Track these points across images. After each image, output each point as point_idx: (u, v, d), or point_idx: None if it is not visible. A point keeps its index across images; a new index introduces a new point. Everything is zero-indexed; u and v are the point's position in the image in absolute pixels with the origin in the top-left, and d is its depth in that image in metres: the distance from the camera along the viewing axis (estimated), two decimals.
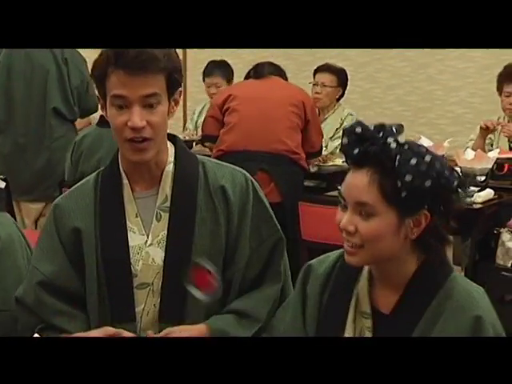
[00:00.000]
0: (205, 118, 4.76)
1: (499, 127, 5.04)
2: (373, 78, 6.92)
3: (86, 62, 4.82)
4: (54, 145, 4.85)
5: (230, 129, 4.46)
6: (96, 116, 4.77)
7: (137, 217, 2.22)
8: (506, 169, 4.58)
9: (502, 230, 4.17)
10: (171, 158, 2.24)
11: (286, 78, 4.71)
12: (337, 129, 5.36)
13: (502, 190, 4.34)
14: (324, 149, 4.99)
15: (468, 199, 4.17)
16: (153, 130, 2.11)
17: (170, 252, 2.19)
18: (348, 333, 1.95)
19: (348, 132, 1.90)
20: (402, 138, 1.89)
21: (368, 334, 1.94)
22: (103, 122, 3.82)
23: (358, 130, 1.88)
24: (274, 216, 2.31)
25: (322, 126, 5.00)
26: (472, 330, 1.83)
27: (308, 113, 4.49)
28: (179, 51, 2.28)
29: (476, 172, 4.36)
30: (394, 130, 1.89)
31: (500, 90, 5.07)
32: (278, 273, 2.28)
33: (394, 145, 1.85)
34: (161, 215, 2.21)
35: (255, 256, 2.25)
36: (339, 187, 1.92)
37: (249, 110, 4.42)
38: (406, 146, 1.86)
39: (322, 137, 4.75)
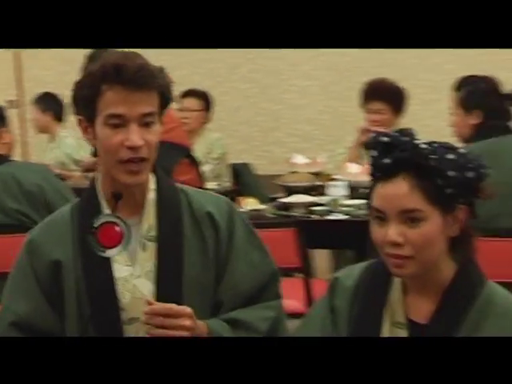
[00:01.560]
0: None
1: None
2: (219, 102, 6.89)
3: None
4: None
5: None
6: None
7: None
8: None
9: None
10: (153, 186, 2.12)
11: None
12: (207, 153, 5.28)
13: None
14: None
15: (360, 212, 4.18)
16: (149, 149, 2.00)
17: (160, 284, 2.07)
18: None
19: (374, 144, 1.87)
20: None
21: None
22: None
23: (385, 139, 1.85)
24: (263, 242, 2.20)
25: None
26: None
27: None
28: None
29: (364, 185, 4.38)
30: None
31: (363, 106, 5.13)
32: (274, 294, 2.18)
33: (424, 145, 1.84)
34: (147, 245, 2.08)
35: (248, 281, 2.13)
36: None
37: None
38: (434, 144, 1.84)
39: None
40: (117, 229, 1.92)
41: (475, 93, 3.74)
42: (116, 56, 1.99)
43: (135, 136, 1.96)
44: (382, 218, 1.84)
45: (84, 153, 5.53)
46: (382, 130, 5.01)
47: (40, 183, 3.49)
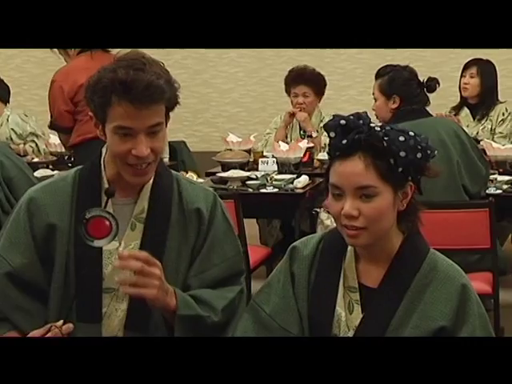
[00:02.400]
0: (58, 112, 4.23)
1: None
2: None
3: None
4: None
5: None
6: None
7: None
8: (307, 157, 4.68)
9: (319, 210, 4.25)
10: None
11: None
12: None
13: (315, 176, 4.43)
14: None
15: (289, 185, 4.22)
16: (155, 155, 1.96)
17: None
18: (340, 306, 1.91)
19: (332, 126, 1.87)
20: None
21: (357, 307, 1.90)
22: None
23: (343, 122, 1.86)
24: (237, 237, 2.18)
25: None
26: (460, 296, 1.84)
27: None
28: None
29: (291, 161, 4.44)
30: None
31: (288, 91, 5.18)
32: (238, 282, 2.15)
33: (378, 128, 1.85)
34: (136, 225, 2.04)
35: (216, 272, 2.10)
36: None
37: None
38: (387, 127, 1.86)
39: None
40: (106, 223, 1.88)
41: (395, 80, 3.80)
42: (126, 70, 1.88)
43: (143, 147, 1.91)
44: (339, 193, 1.86)
45: (30, 128, 5.41)
46: (304, 113, 5.10)
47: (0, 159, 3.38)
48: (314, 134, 4.96)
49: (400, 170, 1.83)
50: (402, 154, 1.82)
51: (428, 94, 3.81)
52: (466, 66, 5.24)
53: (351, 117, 1.87)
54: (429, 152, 1.86)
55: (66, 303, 1.99)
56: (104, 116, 1.93)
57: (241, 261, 2.17)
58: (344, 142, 1.84)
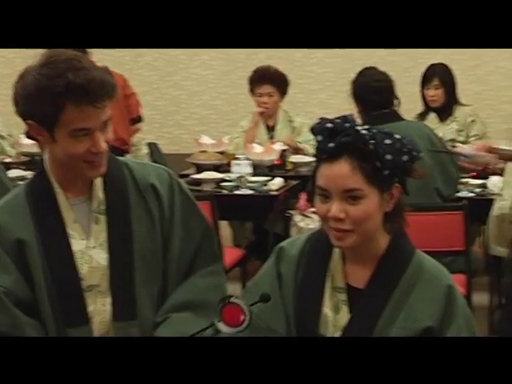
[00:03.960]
0: None
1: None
2: None
3: None
4: None
5: None
6: None
7: (75, 222, 2.04)
8: (280, 159, 4.69)
9: (293, 212, 4.26)
10: None
11: None
12: None
13: (288, 178, 4.44)
14: None
15: (264, 187, 4.22)
16: (108, 145, 1.97)
17: (112, 253, 2.04)
18: (326, 306, 1.91)
19: (319, 129, 1.87)
20: None
21: (344, 308, 1.90)
22: None
23: (329, 125, 1.86)
24: (200, 207, 2.19)
25: None
26: (446, 297, 1.85)
27: None
28: None
29: (265, 163, 4.44)
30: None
31: (253, 91, 5.17)
32: (211, 255, 2.16)
33: (364, 131, 1.85)
34: (98, 218, 2.05)
35: (186, 246, 2.12)
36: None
37: None
38: (374, 130, 1.86)
39: None
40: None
41: (357, 85, 3.84)
42: (73, 73, 1.86)
43: (101, 143, 1.92)
44: (325, 195, 1.85)
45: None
46: (268, 111, 5.06)
47: None
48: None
49: (386, 172, 1.83)
50: (388, 156, 1.82)
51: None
52: (428, 78, 5.20)
53: (338, 120, 1.87)
54: (414, 154, 1.86)
55: (55, 313, 1.99)
56: (53, 122, 1.89)
57: (207, 227, 2.16)
58: (331, 145, 1.83)
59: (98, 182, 2.05)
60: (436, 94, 5.18)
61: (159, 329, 2.04)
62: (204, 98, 6.71)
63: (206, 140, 4.86)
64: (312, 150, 4.73)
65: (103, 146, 1.93)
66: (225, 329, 1.76)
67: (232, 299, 1.78)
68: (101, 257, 2.03)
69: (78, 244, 2.03)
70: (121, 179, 2.07)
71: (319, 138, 1.86)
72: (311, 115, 6.77)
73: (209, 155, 4.59)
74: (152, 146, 5.34)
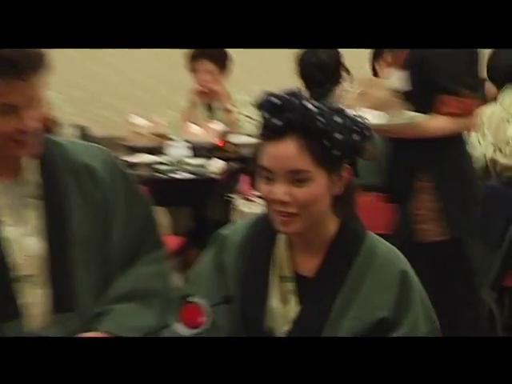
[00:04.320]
0: None
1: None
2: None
3: None
4: None
5: None
6: None
7: (7, 208, 1.89)
8: (221, 141, 4.50)
9: (234, 196, 4.10)
10: None
11: None
12: None
13: (228, 160, 4.26)
14: None
15: (202, 170, 4.05)
16: (37, 123, 1.82)
17: (48, 241, 1.90)
18: (275, 296, 1.77)
19: (265, 105, 1.72)
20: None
21: (293, 299, 1.77)
22: None
23: (275, 100, 1.70)
24: (142, 190, 2.06)
25: None
26: (400, 283, 1.73)
27: None
28: None
29: (204, 145, 4.26)
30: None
31: (190, 68, 4.88)
32: (155, 241, 2.04)
33: (311, 107, 1.69)
34: (31, 203, 1.90)
35: (128, 231, 1.98)
36: None
37: None
38: (323, 106, 1.71)
39: None
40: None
41: (298, 62, 3.91)
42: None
43: (28, 120, 1.79)
44: (269, 177, 1.71)
45: None
46: (212, 87, 4.79)
47: None
48: (230, 107, 4.70)
49: (335, 152, 1.69)
50: (338, 136, 1.68)
51: None
52: None
53: (285, 95, 1.71)
54: (366, 133, 1.73)
55: None
56: None
57: (150, 210, 2.05)
58: (276, 122, 1.69)
59: (31, 164, 1.90)
60: None
61: (103, 322, 1.91)
62: (136, 77, 6.48)
63: (138, 121, 4.61)
64: (248, 127, 4.53)
65: (32, 123, 1.80)
66: (183, 331, 1.63)
67: (191, 298, 1.65)
68: (36, 245, 1.90)
69: (11, 231, 1.88)
70: (51, 160, 1.93)
71: (264, 114, 1.71)
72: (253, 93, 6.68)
73: (142, 137, 4.37)
74: (82, 130, 5.11)
